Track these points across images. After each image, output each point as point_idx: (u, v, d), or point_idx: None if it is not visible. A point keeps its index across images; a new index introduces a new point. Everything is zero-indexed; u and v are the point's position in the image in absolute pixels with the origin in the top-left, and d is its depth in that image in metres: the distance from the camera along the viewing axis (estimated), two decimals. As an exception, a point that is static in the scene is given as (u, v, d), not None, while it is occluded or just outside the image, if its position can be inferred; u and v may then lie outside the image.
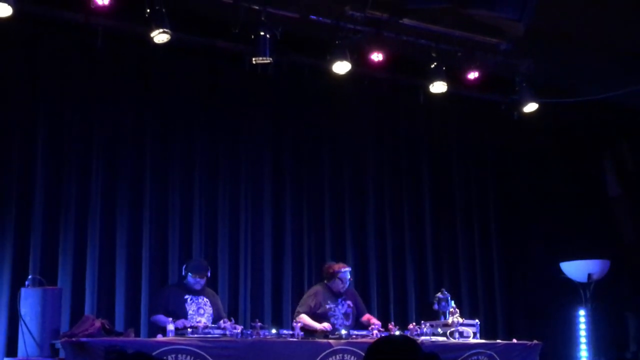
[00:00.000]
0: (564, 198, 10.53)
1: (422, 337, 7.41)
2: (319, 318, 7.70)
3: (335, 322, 7.72)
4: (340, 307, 7.88)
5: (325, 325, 7.40)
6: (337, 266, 7.95)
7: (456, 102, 9.73)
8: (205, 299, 7.54)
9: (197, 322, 6.95)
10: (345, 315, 7.87)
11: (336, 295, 7.91)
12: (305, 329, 7.41)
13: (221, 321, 7.04)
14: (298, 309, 7.89)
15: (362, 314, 8.09)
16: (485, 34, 8.70)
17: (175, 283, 7.99)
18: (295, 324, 7.07)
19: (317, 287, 8.06)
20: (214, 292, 7.92)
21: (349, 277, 7.96)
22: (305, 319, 7.60)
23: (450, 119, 10.27)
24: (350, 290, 8.10)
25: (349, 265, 8.15)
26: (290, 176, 9.39)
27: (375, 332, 7.42)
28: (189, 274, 7.46)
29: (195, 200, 8.76)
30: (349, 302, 7.95)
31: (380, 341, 3.40)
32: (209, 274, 7.64)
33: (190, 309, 7.37)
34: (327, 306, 7.80)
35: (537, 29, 8.15)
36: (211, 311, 7.50)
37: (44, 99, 8.13)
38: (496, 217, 10.56)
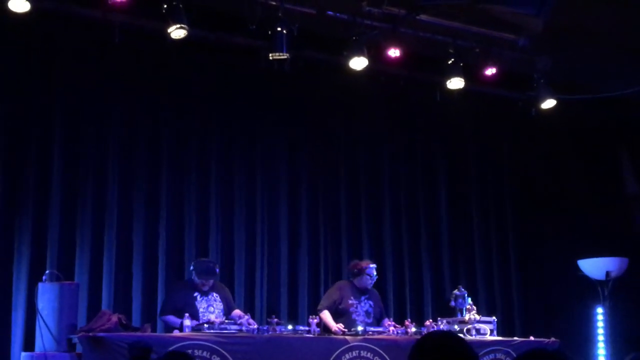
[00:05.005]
0: (581, 195, 10.46)
1: (439, 334, 7.38)
2: (340, 313, 7.73)
3: (357, 319, 7.74)
4: (362, 304, 7.89)
5: (340, 327, 7.39)
6: (364, 263, 8.02)
7: (473, 98, 9.66)
8: (214, 295, 7.48)
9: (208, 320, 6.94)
10: (367, 313, 7.88)
11: (360, 293, 7.93)
12: (322, 325, 7.41)
13: (237, 316, 7.05)
14: (322, 302, 7.92)
15: (382, 317, 8.09)
16: (502, 30, 8.65)
17: (185, 280, 7.95)
18: (311, 319, 7.07)
19: (343, 283, 8.16)
20: (223, 284, 7.86)
21: (375, 273, 7.97)
22: (325, 315, 7.61)
23: (466, 116, 10.21)
24: (373, 292, 8.12)
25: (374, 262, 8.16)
26: (306, 173, 9.38)
27: (391, 328, 7.42)
28: (195, 275, 7.41)
29: (211, 196, 8.77)
30: (370, 302, 7.97)
31: (426, 339, 3.16)
32: (217, 270, 7.59)
33: (201, 307, 7.32)
34: (350, 302, 7.82)
35: (555, 25, 8.10)
36: (221, 307, 7.45)
37: (61, 95, 8.17)
38: (513, 214, 10.50)
